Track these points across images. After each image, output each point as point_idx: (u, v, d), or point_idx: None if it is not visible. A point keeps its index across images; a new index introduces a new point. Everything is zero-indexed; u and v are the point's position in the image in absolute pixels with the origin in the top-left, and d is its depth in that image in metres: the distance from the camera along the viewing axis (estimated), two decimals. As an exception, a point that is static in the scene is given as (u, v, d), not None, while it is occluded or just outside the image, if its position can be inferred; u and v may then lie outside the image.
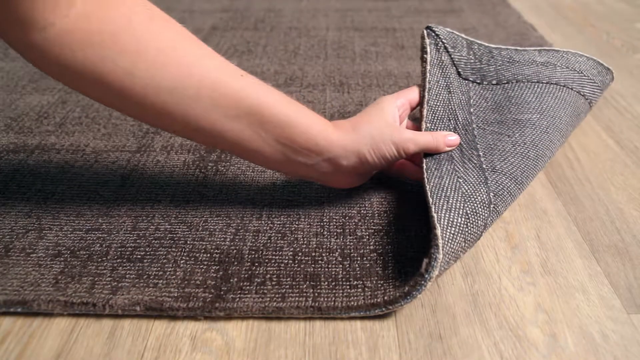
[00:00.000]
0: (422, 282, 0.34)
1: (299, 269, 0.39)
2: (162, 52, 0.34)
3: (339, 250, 0.41)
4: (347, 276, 0.38)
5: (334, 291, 0.37)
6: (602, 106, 0.62)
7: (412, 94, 0.47)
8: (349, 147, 0.40)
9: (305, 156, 0.39)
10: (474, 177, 0.41)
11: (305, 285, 0.37)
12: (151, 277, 0.38)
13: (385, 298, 0.36)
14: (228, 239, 0.42)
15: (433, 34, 0.50)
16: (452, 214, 0.37)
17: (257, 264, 0.39)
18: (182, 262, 0.40)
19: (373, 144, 0.40)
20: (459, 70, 0.51)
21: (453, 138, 0.44)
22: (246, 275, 0.38)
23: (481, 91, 0.51)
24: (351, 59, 0.75)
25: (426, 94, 0.47)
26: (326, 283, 0.38)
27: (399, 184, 0.48)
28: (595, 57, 0.56)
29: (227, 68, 0.37)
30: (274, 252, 0.40)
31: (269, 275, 0.38)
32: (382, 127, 0.41)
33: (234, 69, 0.37)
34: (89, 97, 0.37)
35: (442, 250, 0.34)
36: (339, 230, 0.43)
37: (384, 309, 0.35)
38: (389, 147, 0.41)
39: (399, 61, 0.74)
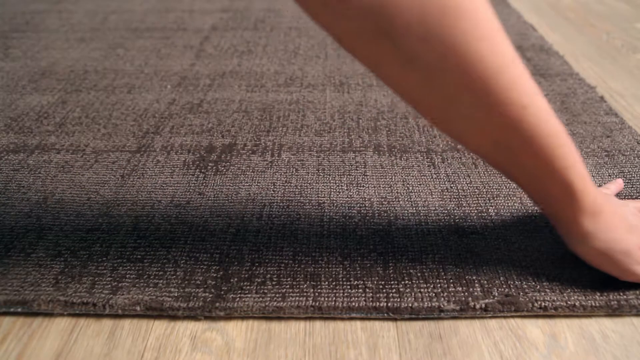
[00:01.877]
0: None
1: (299, 268, 0.39)
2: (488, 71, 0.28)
3: (339, 250, 0.41)
4: (348, 276, 0.38)
5: (335, 291, 0.37)
6: (602, 106, 0.62)
7: None
8: (602, 206, 0.34)
9: (549, 188, 0.33)
10: None
11: (305, 285, 0.37)
12: (151, 277, 0.38)
13: (389, 305, 0.36)
14: (228, 239, 0.42)
15: None
16: None
17: (257, 264, 0.39)
18: (182, 262, 0.40)
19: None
20: None
21: None
22: (246, 275, 0.38)
23: None
24: (351, 59, 0.75)
25: None
26: (326, 283, 0.38)
27: (400, 185, 0.48)
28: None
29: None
30: (274, 252, 0.40)
31: (269, 275, 0.38)
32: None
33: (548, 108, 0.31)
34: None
35: None
36: (339, 230, 0.43)
37: (385, 314, 0.35)
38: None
39: (399, 61, 0.73)
